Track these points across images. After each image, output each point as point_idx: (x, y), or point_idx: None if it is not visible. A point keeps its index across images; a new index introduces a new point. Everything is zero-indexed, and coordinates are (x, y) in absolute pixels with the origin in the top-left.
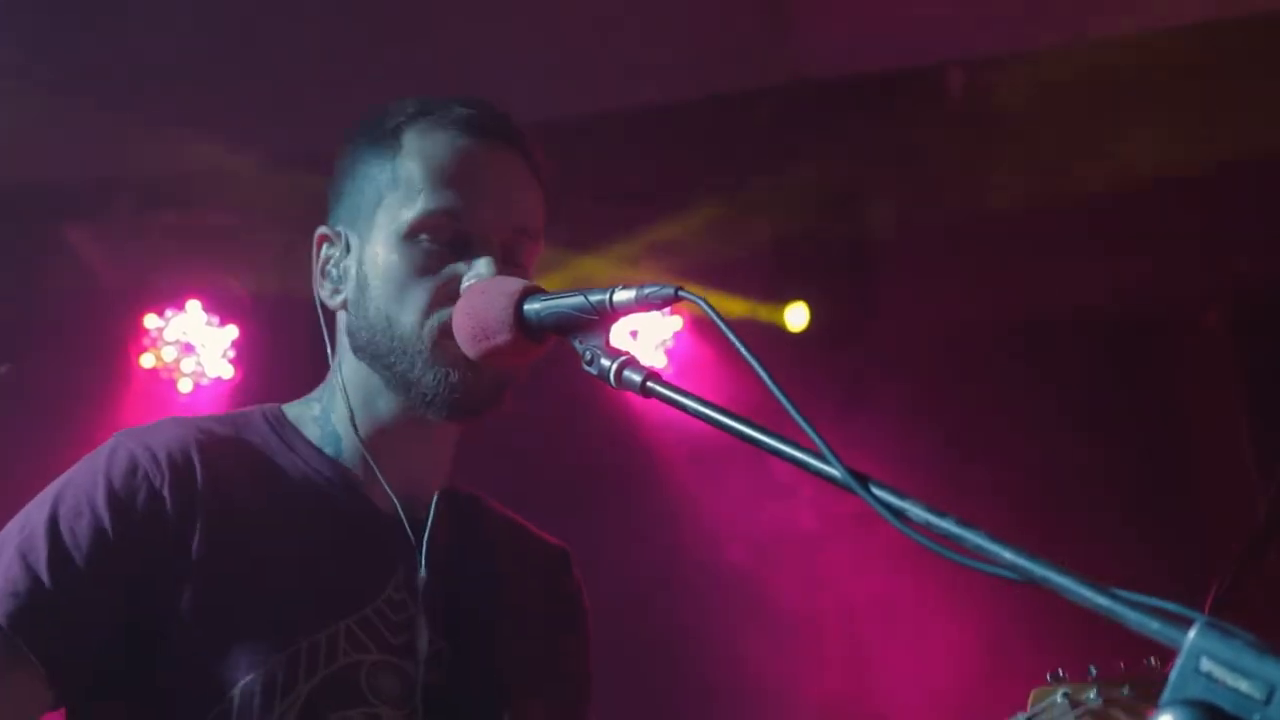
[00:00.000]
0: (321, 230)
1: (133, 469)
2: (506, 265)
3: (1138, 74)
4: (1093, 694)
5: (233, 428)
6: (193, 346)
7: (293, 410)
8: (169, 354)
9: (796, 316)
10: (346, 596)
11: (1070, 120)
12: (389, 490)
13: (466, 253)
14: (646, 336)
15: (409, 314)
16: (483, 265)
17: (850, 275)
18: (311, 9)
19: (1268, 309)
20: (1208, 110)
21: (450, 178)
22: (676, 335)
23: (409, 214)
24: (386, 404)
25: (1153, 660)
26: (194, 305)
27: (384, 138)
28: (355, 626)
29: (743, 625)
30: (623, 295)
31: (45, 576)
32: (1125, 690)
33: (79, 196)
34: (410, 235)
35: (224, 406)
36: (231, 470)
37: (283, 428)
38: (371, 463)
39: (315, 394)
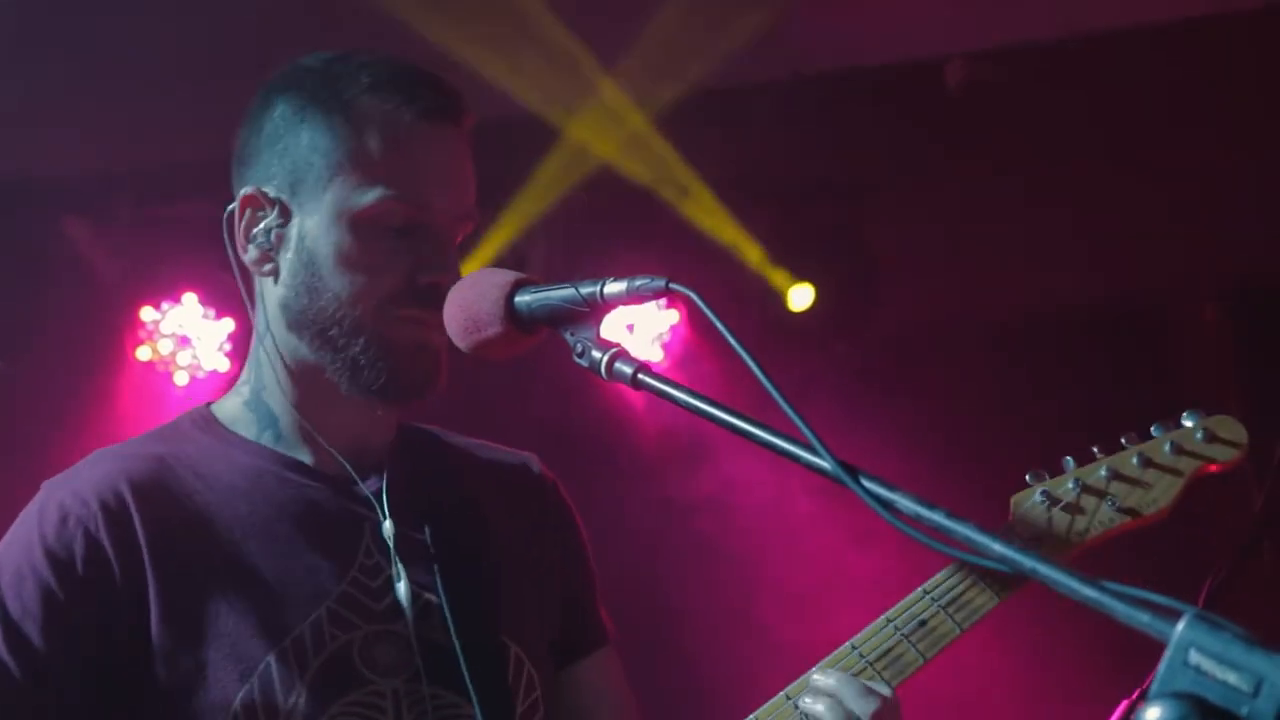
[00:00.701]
0: (248, 190)
1: (64, 519)
2: (452, 251)
3: (1134, 68)
4: (1070, 484)
5: (163, 443)
6: (189, 339)
7: (221, 407)
8: (165, 347)
9: (801, 296)
10: (318, 581)
11: (1065, 115)
12: (335, 454)
13: (418, 240)
14: (643, 330)
15: (361, 300)
16: (441, 258)
17: (850, 267)
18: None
19: (1265, 305)
20: (1207, 107)
21: (408, 165)
22: (673, 329)
23: (365, 199)
24: (327, 380)
25: (1124, 440)
26: (190, 298)
27: (336, 107)
28: (337, 606)
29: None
30: (614, 287)
31: (2, 652)
32: (1102, 472)
33: (76, 190)
34: (364, 219)
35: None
36: (168, 492)
37: (212, 428)
38: (312, 430)
39: (243, 375)
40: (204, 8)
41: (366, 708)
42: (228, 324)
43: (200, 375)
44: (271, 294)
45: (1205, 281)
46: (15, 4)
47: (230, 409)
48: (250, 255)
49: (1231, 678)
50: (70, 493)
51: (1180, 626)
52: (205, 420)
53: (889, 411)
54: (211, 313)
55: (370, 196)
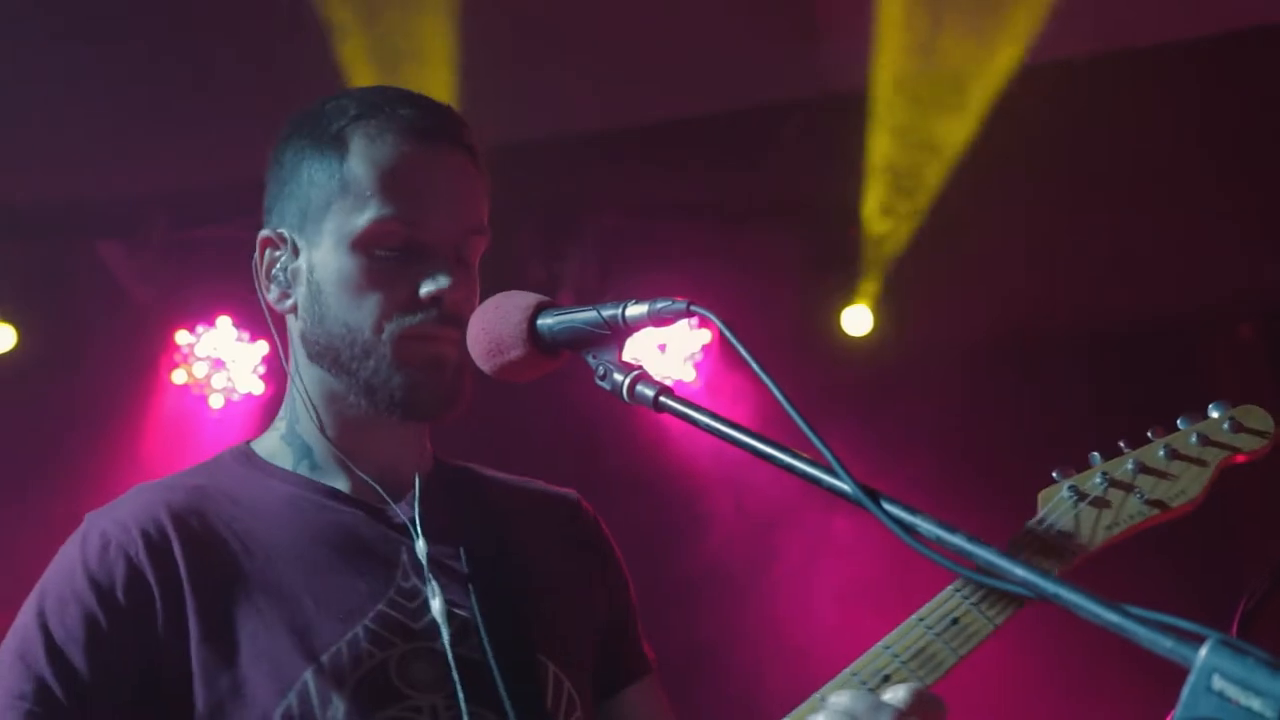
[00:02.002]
0: (264, 233)
1: (105, 546)
2: (458, 266)
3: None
4: (1097, 479)
5: (204, 476)
6: (223, 362)
7: (260, 443)
8: (200, 370)
9: (858, 320)
10: (355, 601)
11: (1102, 133)
12: (370, 482)
13: (419, 258)
14: (675, 350)
15: (367, 322)
16: (440, 273)
17: (877, 285)
18: (344, 25)
19: None
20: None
21: (400, 184)
22: (705, 348)
23: (360, 221)
24: (351, 405)
25: (1150, 434)
26: (224, 321)
27: (328, 140)
28: (374, 625)
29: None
30: (635, 310)
31: (48, 676)
32: (1129, 465)
33: (110, 214)
34: (363, 241)
35: (255, 422)
36: (206, 519)
37: (251, 461)
38: (345, 457)
39: (280, 413)
40: (234, 35)
41: None
42: (262, 347)
43: (235, 398)
44: (294, 329)
45: (1241, 300)
46: (49, 33)
47: (268, 444)
48: (272, 295)
49: (1256, 704)
50: (112, 521)
51: (1203, 651)
52: (245, 455)
53: (918, 428)
54: (245, 336)
55: (364, 219)
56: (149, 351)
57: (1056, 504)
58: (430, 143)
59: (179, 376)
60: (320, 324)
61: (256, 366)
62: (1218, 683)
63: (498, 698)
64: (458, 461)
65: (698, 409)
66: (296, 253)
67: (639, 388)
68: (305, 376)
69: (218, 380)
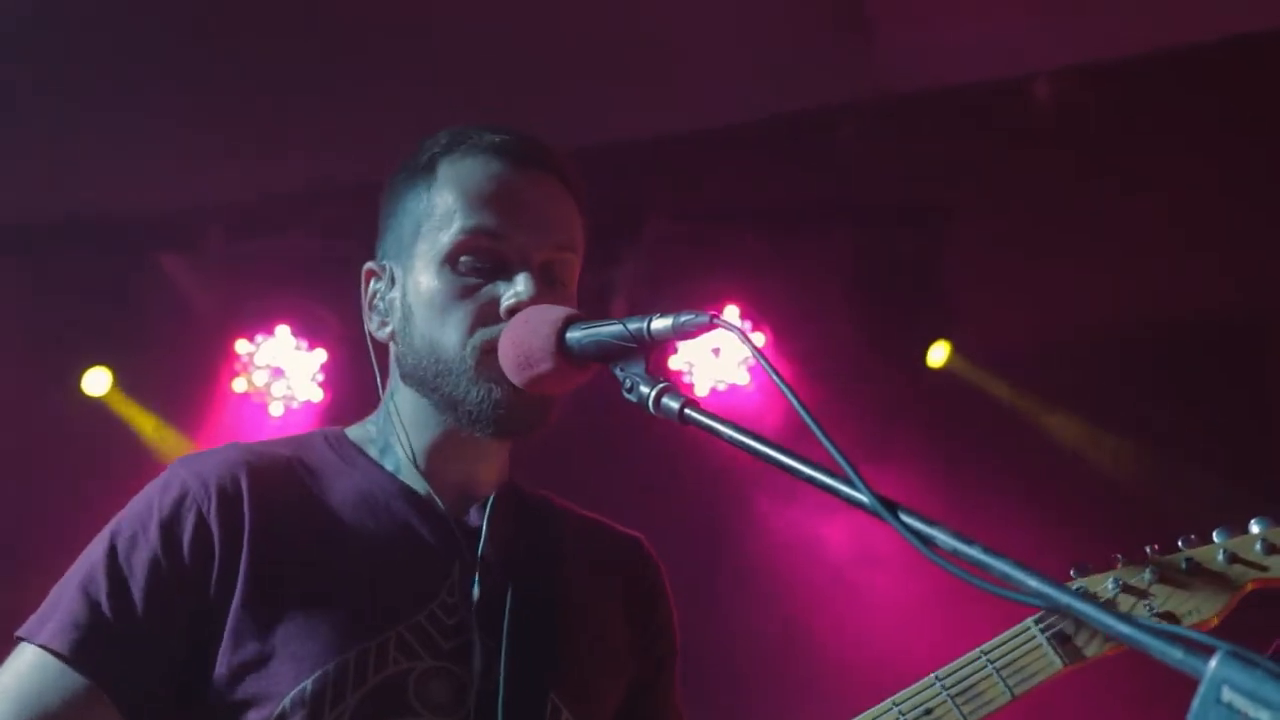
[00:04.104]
0: (368, 266)
1: (182, 498)
2: (547, 283)
3: (1225, 80)
4: (1109, 583)
5: (292, 448)
6: (282, 371)
7: (353, 432)
8: (260, 378)
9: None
10: (398, 604)
11: (1157, 131)
12: (443, 504)
13: (505, 274)
14: (729, 354)
15: (451, 336)
16: (521, 282)
17: (933, 288)
18: (403, 35)
19: None
20: None
21: (485, 201)
22: (760, 351)
23: (446, 239)
24: (437, 426)
25: (1181, 543)
26: (283, 330)
27: (419, 171)
28: (407, 633)
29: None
30: (660, 324)
31: (105, 606)
32: (1146, 574)
33: (170, 225)
34: (449, 260)
35: (314, 429)
36: (282, 489)
37: (342, 446)
38: (427, 482)
39: (371, 419)
40: (294, 47)
41: None
42: (320, 355)
43: (294, 405)
44: (393, 354)
45: None
46: (107, 47)
47: (362, 438)
48: (374, 324)
49: (1264, 716)
50: (194, 474)
51: (1213, 663)
52: (338, 439)
53: (974, 433)
54: (304, 344)
55: (449, 235)
56: (209, 360)
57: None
58: (515, 163)
59: (239, 385)
60: (410, 344)
61: (315, 374)
62: (1227, 694)
63: None
64: (537, 489)
65: (721, 420)
66: (394, 282)
67: (665, 400)
68: (399, 398)
69: (277, 388)
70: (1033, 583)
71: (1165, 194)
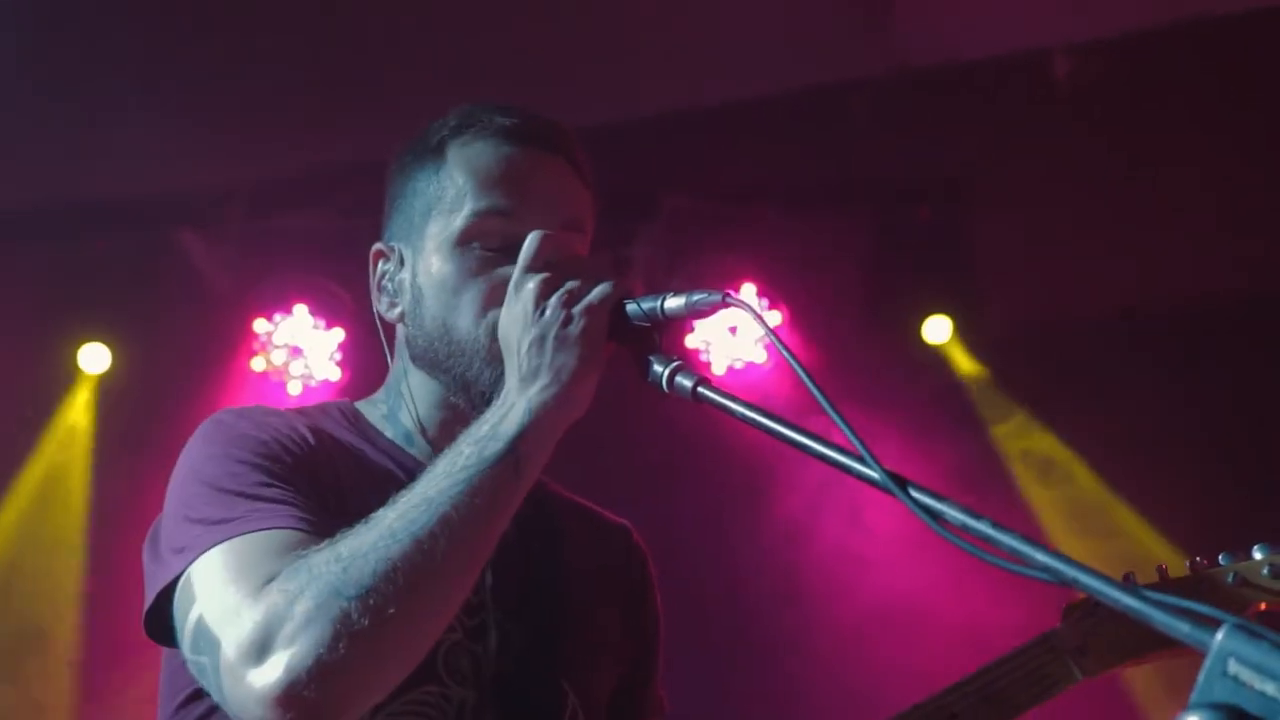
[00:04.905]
0: (376, 247)
1: (264, 417)
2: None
3: (1250, 52)
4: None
5: (315, 417)
6: (301, 350)
7: (363, 406)
8: (278, 357)
9: (939, 330)
10: None
11: (1180, 105)
12: None
13: (517, 255)
14: (745, 333)
15: (464, 318)
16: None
17: (957, 266)
18: (419, 11)
19: None
20: None
21: (496, 182)
22: (776, 330)
23: (458, 221)
24: (448, 408)
25: (1188, 565)
26: (301, 309)
27: (428, 152)
28: None
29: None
30: (673, 303)
31: (262, 476)
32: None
33: (188, 204)
34: (461, 242)
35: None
36: (325, 447)
37: (358, 421)
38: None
39: (379, 396)
40: (311, 25)
41: (433, 707)
42: (337, 334)
43: (313, 384)
44: (401, 335)
45: None
46: (130, 26)
47: (372, 414)
48: (383, 305)
49: (1270, 688)
50: (255, 407)
51: (1219, 636)
52: (352, 413)
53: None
54: (321, 323)
55: (461, 217)
56: (228, 339)
57: (1077, 619)
58: (525, 145)
59: (258, 364)
60: (421, 326)
61: (333, 353)
62: (1233, 667)
63: (517, 714)
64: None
65: (734, 399)
66: (403, 263)
67: (678, 379)
68: (410, 379)
69: (295, 367)
70: (1041, 557)
71: (1193, 169)
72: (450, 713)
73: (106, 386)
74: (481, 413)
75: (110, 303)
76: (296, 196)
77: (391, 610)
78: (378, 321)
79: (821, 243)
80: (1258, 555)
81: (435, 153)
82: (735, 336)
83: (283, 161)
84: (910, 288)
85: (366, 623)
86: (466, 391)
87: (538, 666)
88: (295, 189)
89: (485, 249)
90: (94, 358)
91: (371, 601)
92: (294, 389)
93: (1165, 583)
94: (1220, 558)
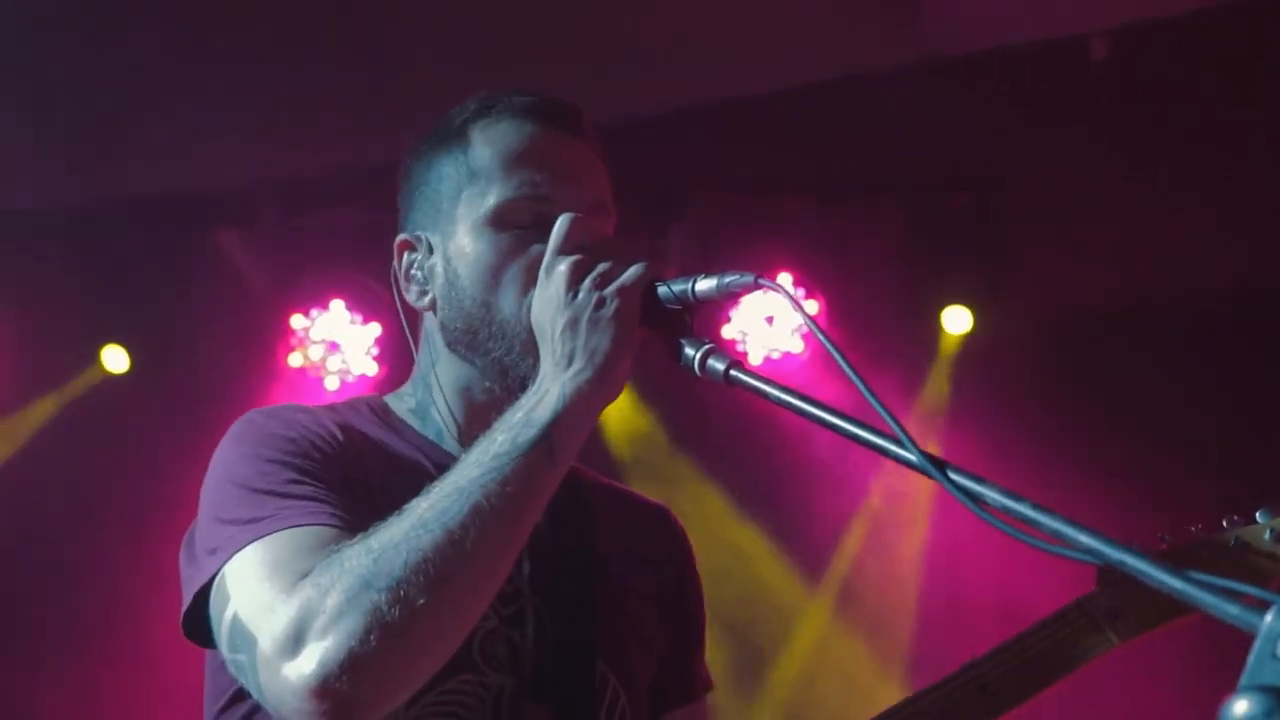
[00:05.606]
0: (401, 238)
1: (294, 415)
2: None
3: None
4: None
5: (344, 414)
6: (338, 345)
7: (392, 400)
8: (315, 353)
9: (958, 321)
10: None
11: (1214, 92)
12: None
13: (549, 232)
14: (782, 322)
15: (506, 298)
16: None
17: (990, 256)
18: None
19: None
20: None
21: (524, 161)
22: (812, 319)
23: (490, 200)
24: (482, 394)
25: (1225, 523)
26: (338, 305)
27: (450, 137)
28: None
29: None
30: (704, 285)
31: (293, 475)
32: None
33: (225, 201)
34: (494, 221)
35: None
36: (357, 445)
37: (387, 415)
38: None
39: (406, 389)
40: (347, 21)
41: (470, 695)
42: (374, 329)
43: (350, 379)
44: (431, 324)
45: None
46: (164, 25)
47: (400, 408)
48: (412, 295)
49: None
50: (285, 406)
51: (1269, 618)
52: (382, 407)
53: (1041, 401)
54: (359, 318)
55: (493, 198)
56: (265, 335)
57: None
58: (548, 124)
59: (295, 360)
60: (459, 308)
61: (370, 348)
62: None
63: (556, 699)
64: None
65: (767, 381)
66: (431, 250)
67: (710, 362)
68: (440, 368)
69: (333, 363)
70: (1084, 539)
71: (1235, 157)
72: (488, 700)
73: (143, 385)
74: (516, 399)
75: (146, 301)
76: (331, 193)
77: (422, 601)
78: (401, 313)
79: (857, 232)
80: (1260, 520)
81: (458, 136)
82: (771, 326)
83: (318, 158)
84: (943, 277)
85: (397, 613)
86: (504, 376)
87: (576, 652)
88: (330, 185)
89: (518, 227)
90: (121, 357)
91: (402, 593)
92: (331, 384)
93: (1172, 551)
94: (1258, 514)
